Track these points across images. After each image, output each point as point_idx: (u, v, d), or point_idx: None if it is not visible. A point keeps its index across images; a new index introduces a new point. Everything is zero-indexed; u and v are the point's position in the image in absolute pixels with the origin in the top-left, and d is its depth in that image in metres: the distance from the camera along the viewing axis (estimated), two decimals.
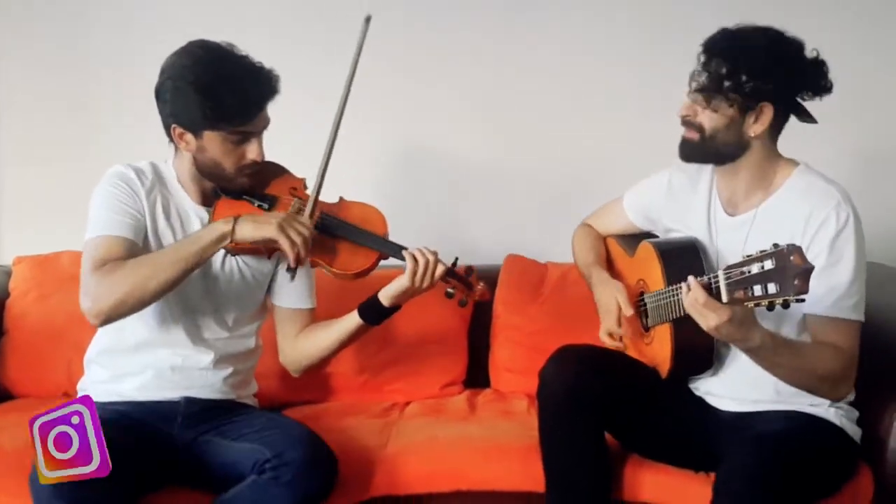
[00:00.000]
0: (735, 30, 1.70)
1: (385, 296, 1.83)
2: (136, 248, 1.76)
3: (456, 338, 2.37)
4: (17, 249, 2.48)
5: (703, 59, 1.70)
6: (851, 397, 1.78)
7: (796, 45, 1.68)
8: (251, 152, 1.79)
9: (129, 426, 1.75)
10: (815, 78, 1.68)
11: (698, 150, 1.75)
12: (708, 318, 1.47)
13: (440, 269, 1.79)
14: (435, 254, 1.80)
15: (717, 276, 1.46)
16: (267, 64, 1.77)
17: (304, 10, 2.56)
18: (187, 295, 1.84)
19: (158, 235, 1.83)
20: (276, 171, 1.91)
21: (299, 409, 2.18)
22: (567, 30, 2.58)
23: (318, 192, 1.81)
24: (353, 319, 1.87)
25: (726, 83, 1.66)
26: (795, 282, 1.34)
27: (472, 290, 1.86)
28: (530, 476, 1.82)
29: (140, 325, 1.84)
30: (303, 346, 1.94)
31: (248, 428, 1.79)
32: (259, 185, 1.86)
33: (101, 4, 2.58)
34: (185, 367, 1.86)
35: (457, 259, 1.85)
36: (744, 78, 1.65)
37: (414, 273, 1.78)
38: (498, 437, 1.97)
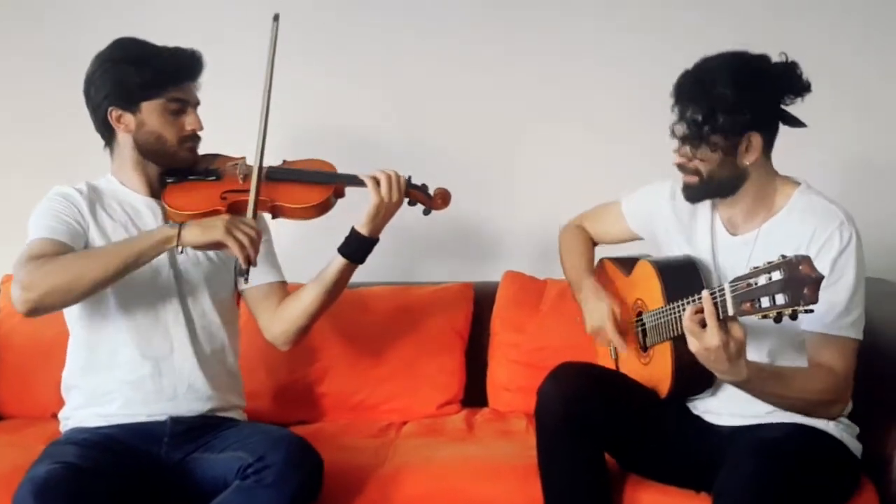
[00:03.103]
0: (696, 69, 1.69)
1: (360, 224, 1.87)
2: (71, 252, 1.76)
3: (453, 356, 2.35)
4: (4, 268, 2.44)
5: (677, 109, 1.70)
6: (849, 410, 1.76)
7: (761, 63, 1.68)
8: (190, 123, 1.86)
9: (115, 450, 1.74)
10: (789, 82, 1.67)
11: (701, 191, 1.76)
12: (704, 338, 1.46)
13: (402, 178, 1.87)
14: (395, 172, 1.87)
15: (722, 290, 1.45)
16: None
17: None
18: (156, 285, 1.86)
19: (108, 235, 1.85)
20: (216, 156, 1.97)
21: (293, 428, 2.13)
22: (567, 35, 2.59)
23: (260, 160, 1.85)
24: (336, 261, 1.90)
25: (706, 128, 1.65)
26: (805, 291, 1.34)
27: (431, 199, 1.92)
28: (529, 497, 1.79)
29: (111, 331, 1.84)
30: (288, 310, 1.94)
31: (233, 438, 1.79)
32: (201, 163, 1.93)
33: (96, 15, 2.61)
34: (163, 373, 1.84)
35: (410, 176, 1.91)
36: (721, 119, 1.64)
37: (378, 188, 1.83)
38: (496, 458, 1.94)
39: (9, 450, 1.98)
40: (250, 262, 1.72)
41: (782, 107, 1.70)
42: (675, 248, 1.90)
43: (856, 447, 1.75)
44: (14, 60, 2.65)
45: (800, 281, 1.34)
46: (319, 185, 1.90)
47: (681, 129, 1.69)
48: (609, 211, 2.08)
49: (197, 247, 1.73)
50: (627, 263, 1.99)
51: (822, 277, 1.35)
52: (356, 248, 1.89)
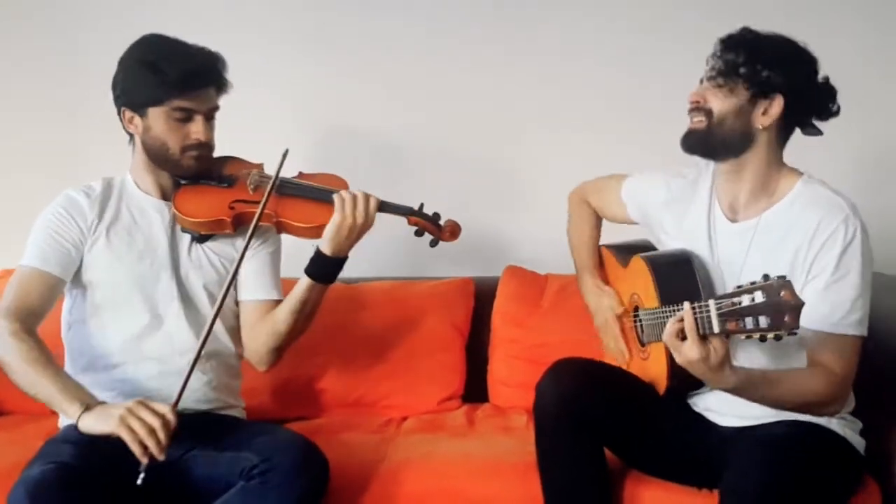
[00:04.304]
0: (756, 29, 1.71)
1: (322, 241, 1.82)
2: (59, 285, 1.81)
3: (453, 351, 2.35)
4: (4, 263, 2.44)
5: (720, 48, 1.70)
6: (851, 406, 1.76)
7: (813, 59, 1.70)
8: (195, 132, 1.82)
9: (112, 446, 1.70)
10: (824, 99, 1.69)
11: (703, 139, 1.72)
12: (683, 351, 1.47)
13: (373, 201, 1.82)
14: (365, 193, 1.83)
15: (707, 306, 1.44)
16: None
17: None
18: (157, 289, 1.86)
19: (111, 240, 1.85)
20: (233, 159, 1.96)
21: (293, 425, 2.13)
22: (567, 35, 2.60)
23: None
24: (302, 282, 1.86)
25: (742, 69, 1.66)
26: (786, 318, 1.34)
27: (440, 229, 1.90)
28: (530, 493, 1.77)
29: (111, 334, 1.83)
30: (259, 330, 1.91)
31: (235, 437, 1.77)
32: (216, 168, 1.91)
33: (96, 15, 2.62)
34: (164, 374, 1.83)
35: (422, 204, 1.90)
36: (758, 67, 1.65)
37: (342, 206, 1.79)
38: (497, 454, 1.94)
39: (7, 447, 1.97)
40: (151, 456, 1.56)
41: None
42: (668, 239, 1.89)
43: (859, 443, 1.74)
44: (14, 60, 2.66)
45: (780, 307, 1.34)
46: (327, 203, 1.85)
47: (716, 64, 1.69)
48: (611, 190, 2.05)
49: (92, 435, 1.61)
50: (624, 253, 1.98)
51: (802, 304, 1.35)
52: (320, 267, 1.84)
